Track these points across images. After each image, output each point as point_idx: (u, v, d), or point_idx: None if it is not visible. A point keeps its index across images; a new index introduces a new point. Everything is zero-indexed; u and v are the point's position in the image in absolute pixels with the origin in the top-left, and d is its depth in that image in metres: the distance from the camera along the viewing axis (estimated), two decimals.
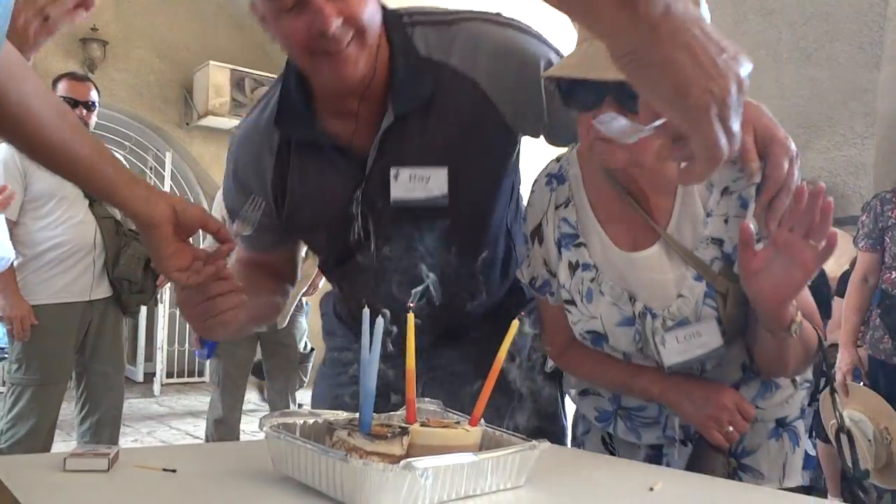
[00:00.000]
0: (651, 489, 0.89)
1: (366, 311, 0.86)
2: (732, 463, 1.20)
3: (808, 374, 1.28)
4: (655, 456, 1.27)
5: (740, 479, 1.20)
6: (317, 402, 1.46)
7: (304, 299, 4.03)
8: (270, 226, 1.29)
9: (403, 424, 0.87)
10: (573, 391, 1.39)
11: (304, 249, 1.49)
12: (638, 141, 0.91)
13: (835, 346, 3.10)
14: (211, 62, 6.82)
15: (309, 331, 4.10)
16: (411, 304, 0.92)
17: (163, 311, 7.05)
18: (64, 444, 3.87)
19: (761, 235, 1.03)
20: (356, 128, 1.22)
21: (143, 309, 6.17)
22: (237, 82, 6.90)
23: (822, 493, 1.31)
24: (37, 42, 1.06)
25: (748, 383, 1.22)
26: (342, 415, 0.91)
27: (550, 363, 1.38)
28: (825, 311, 3.42)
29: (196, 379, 7.50)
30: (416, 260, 1.15)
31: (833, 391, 1.23)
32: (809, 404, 1.31)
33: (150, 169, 7.08)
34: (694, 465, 1.17)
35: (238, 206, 1.26)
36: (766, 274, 1.01)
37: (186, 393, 7.14)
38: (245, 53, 7.03)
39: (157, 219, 0.98)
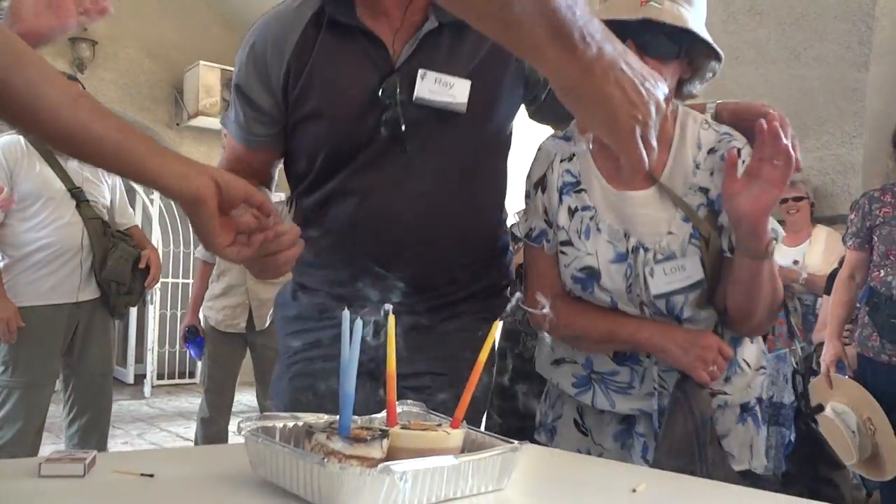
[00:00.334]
0: (634, 490, 0.88)
1: (345, 313, 0.85)
2: (714, 405, 1.32)
3: (763, 360, 1.43)
4: (626, 430, 1.39)
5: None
6: (278, 400, 1.46)
7: None
8: (268, 116, 1.33)
9: (384, 427, 0.86)
10: (546, 363, 1.48)
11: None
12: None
13: (822, 344, 3.11)
14: (201, 62, 6.78)
15: None
16: (389, 306, 0.91)
17: (153, 312, 7.02)
18: (53, 446, 3.84)
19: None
20: (399, 28, 1.30)
21: (133, 310, 6.17)
22: (227, 82, 6.83)
23: (807, 479, 1.39)
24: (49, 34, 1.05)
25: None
26: (323, 418, 0.91)
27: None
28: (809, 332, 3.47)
29: (187, 380, 7.47)
30: (439, 156, 1.29)
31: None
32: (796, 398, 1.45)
33: None
34: (670, 420, 1.27)
35: (245, 82, 1.32)
36: (745, 194, 1.20)
37: (177, 395, 7.11)
38: (235, 53, 6.98)
39: (201, 195, 0.91)
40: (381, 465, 0.73)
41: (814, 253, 3.77)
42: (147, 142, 0.92)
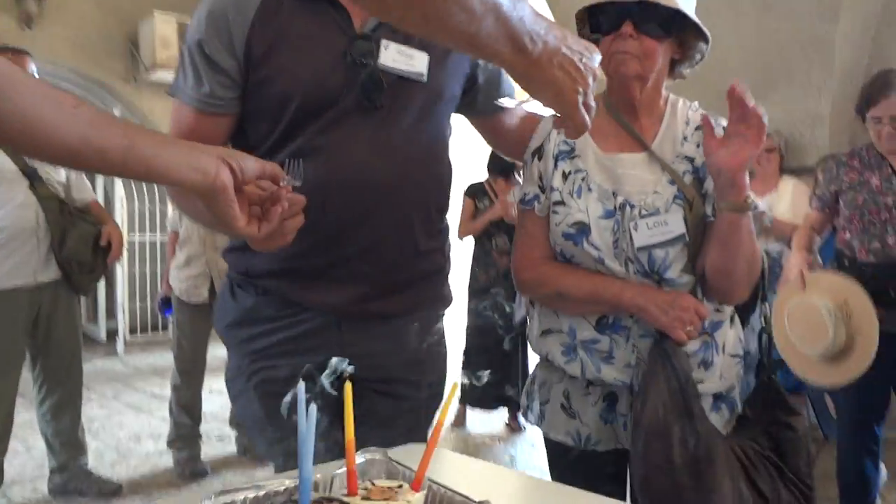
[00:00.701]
0: None
1: (301, 385, 0.83)
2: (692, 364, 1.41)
3: (739, 348, 1.52)
4: (609, 407, 1.49)
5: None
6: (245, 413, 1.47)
7: None
8: (230, 79, 1.30)
9: (344, 500, 0.85)
10: (536, 336, 1.56)
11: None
12: (646, 56, 1.37)
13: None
14: (156, 12, 6.48)
15: None
16: (349, 370, 0.89)
17: (121, 271, 6.93)
18: (28, 413, 3.81)
19: None
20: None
21: None
22: (185, 33, 6.60)
23: (764, 423, 1.48)
24: None
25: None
26: (286, 482, 0.89)
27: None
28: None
29: (161, 335, 7.41)
30: (407, 117, 1.34)
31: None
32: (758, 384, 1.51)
33: None
34: (651, 377, 1.36)
35: (206, 43, 1.29)
36: (725, 149, 1.30)
37: (151, 350, 7.06)
38: (192, 1, 6.70)
39: (219, 185, 0.91)
40: None
41: (781, 202, 3.80)
42: (151, 140, 0.90)
